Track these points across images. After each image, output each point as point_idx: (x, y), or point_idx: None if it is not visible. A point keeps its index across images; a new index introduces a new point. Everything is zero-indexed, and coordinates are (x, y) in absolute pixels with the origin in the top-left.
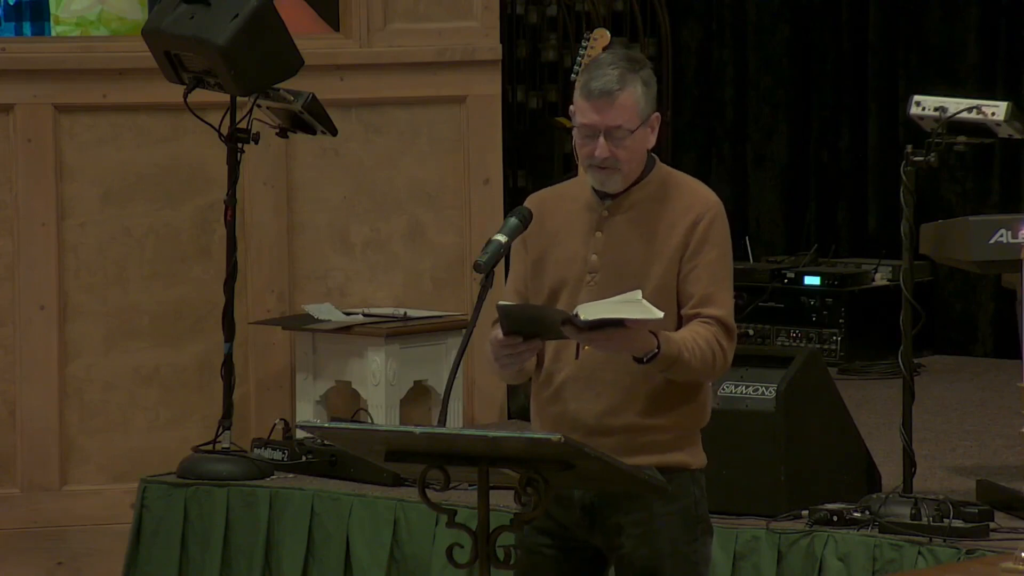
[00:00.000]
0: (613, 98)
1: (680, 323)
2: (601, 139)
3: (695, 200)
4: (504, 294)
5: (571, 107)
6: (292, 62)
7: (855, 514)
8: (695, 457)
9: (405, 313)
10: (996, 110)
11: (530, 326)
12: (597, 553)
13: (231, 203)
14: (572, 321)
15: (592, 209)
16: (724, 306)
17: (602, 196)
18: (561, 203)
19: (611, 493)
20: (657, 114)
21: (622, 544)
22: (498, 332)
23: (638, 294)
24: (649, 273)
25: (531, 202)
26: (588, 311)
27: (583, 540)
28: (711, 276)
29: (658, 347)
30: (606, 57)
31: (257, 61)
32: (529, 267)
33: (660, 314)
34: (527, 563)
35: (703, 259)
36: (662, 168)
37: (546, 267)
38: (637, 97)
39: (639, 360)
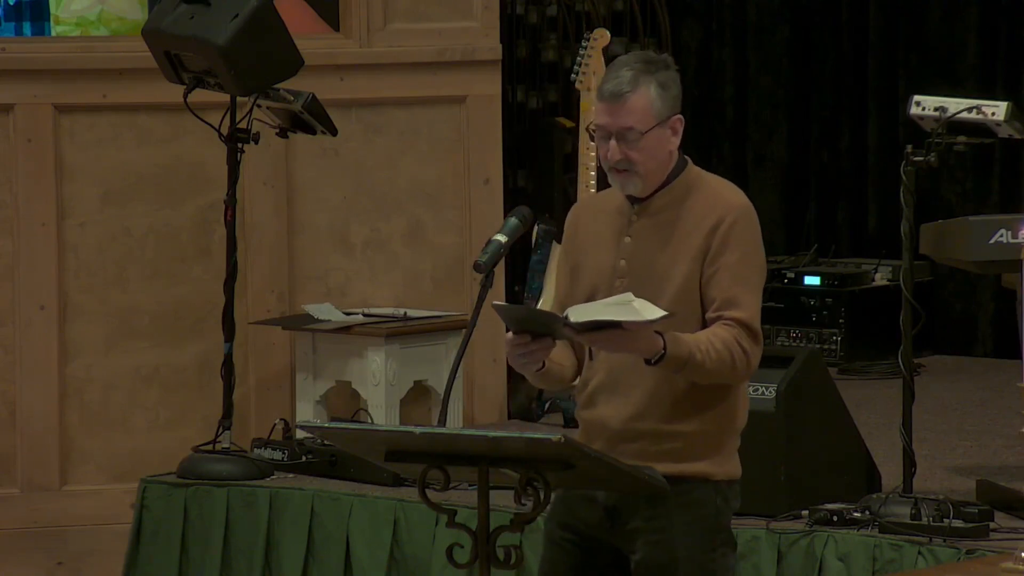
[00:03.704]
0: (624, 100)
1: (705, 327)
2: (613, 141)
3: (716, 203)
4: (543, 303)
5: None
6: (292, 62)
7: (855, 514)
8: (721, 467)
9: (405, 313)
10: (996, 110)
11: (533, 325)
12: (619, 556)
13: (231, 203)
14: (567, 323)
15: (623, 214)
16: (747, 308)
17: (633, 201)
18: (595, 211)
19: (633, 497)
20: (679, 116)
21: (638, 549)
22: (510, 332)
23: (629, 296)
24: (671, 276)
25: (570, 212)
26: (578, 313)
27: (605, 541)
28: (732, 279)
29: (664, 348)
30: (624, 58)
31: (257, 61)
32: (568, 276)
33: (654, 315)
34: (549, 555)
35: (724, 262)
36: (692, 170)
37: (581, 275)
38: (651, 99)
39: (648, 361)
